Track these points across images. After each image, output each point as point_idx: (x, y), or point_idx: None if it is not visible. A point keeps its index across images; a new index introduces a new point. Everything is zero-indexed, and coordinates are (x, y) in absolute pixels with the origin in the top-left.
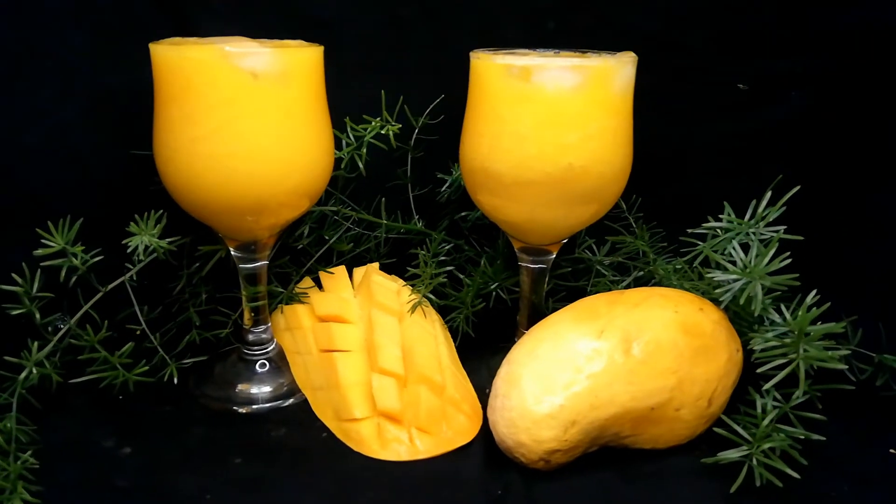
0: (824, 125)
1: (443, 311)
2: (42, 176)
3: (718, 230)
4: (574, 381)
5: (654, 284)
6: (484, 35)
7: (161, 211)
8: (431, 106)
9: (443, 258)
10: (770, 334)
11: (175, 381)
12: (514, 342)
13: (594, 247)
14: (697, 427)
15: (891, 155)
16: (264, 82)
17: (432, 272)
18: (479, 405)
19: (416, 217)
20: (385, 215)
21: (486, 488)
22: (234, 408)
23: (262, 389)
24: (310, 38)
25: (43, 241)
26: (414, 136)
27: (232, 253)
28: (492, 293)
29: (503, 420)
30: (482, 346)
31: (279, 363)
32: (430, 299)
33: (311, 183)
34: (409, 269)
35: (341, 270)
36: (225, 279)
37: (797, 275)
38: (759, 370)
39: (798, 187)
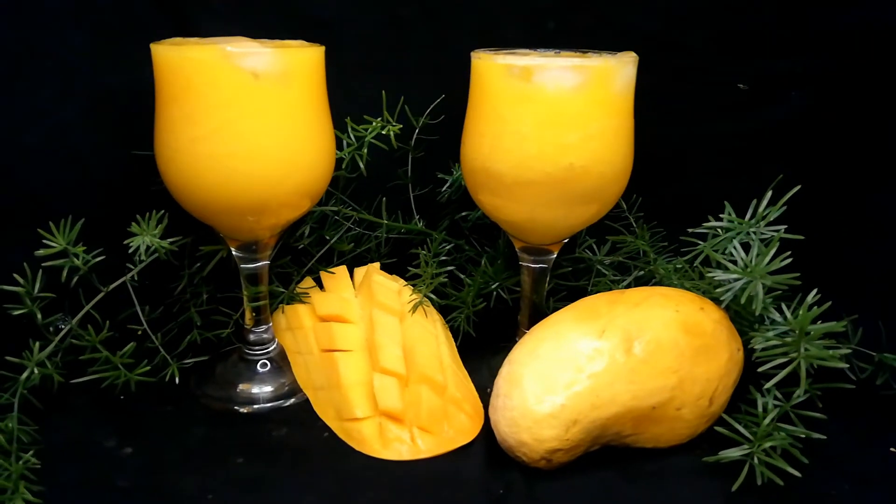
0: (824, 125)
1: (444, 311)
2: (42, 176)
3: (719, 230)
4: (575, 381)
5: (654, 284)
6: (484, 35)
7: (162, 211)
8: (432, 106)
9: (443, 258)
10: (771, 333)
11: (176, 381)
12: (515, 342)
13: (594, 246)
14: (698, 426)
15: (891, 155)
16: (265, 82)
17: (433, 272)
18: (481, 405)
19: (417, 217)
20: (386, 215)
21: (488, 488)
22: (236, 408)
23: (263, 389)
24: (310, 38)
25: (44, 241)
26: (414, 136)
27: (233, 253)
28: (492, 293)
29: (505, 419)
30: (483, 346)
31: (280, 363)
32: (431, 299)
33: (312, 183)
34: (409, 268)
35: (342, 270)
36: (226, 279)
37: (798, 274)
38: (760, 369)
39: (798, 187)
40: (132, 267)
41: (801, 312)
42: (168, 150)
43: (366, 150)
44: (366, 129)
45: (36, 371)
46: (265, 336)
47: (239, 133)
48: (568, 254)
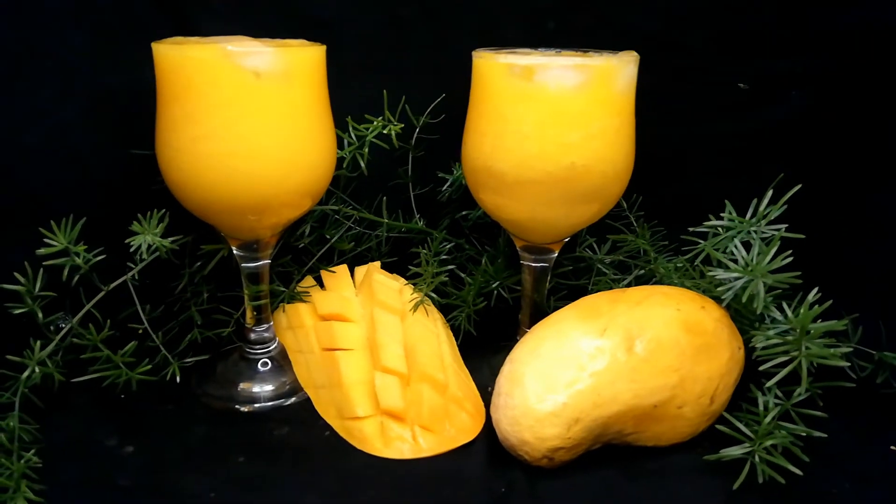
0: (824, 125)
1: (444, 310)
2: (42, 176)
3: (719, 228)
4: (577, 379)
5: (654, 283)
6: (484, 35)
7: (164, 210)
8: (433, 105)
9: (444, 257)
10: (772, 332)
11: (177, 380)
12: (515, 341)
13: (595, 245)
14: (700, 424)
15: (891, 155)
16: (267, 82)
17: (434, 271)
18: (482, 403)
19: (417, 216)
20: (386, 214)
21: (490, 486)
22: (237, 406)
23: (264, 388)
24: (310, 38)
25: (46, 240)
26: (415, 135)
27: (234, 252)
28: (493, 292)
29: (506, 418)
30: (484, 345)
31: (281, 362)
32: (431, 298)
33: (314, 182)
34: (410, 267)
35: (343, 269)
36: (227, 278)
37: (799, 273)
38: (761, 368)
39: (799, 186)
40: (133, 266)
41: (801, 311)
42: (169, 150)
43: (367, 150)
44: (367, 129)
45: (37, 370)
46: (266, 335)
47: (240, 132)
48: (568, 253)
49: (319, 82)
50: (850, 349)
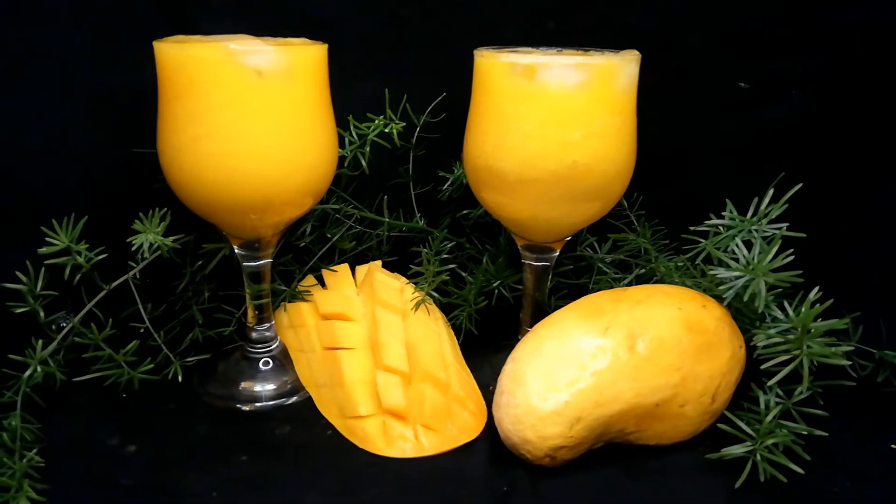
0: (825, 124)
1: (445, 309)
2: (42, 176)
3: (720, 227)
4: (579, 378)
5: (655, 282)
6: (484, 35)
7: (165, 209)
8: (433, 104)
9: (445, 256)
10: (773, 331)
11: (179, 379)
12: (517, 340)
13: (596, 244)
14: (701, 423)
15: (891, 154)
16: (269, 80)
17: (435, 270)
18: (484, 402)
19: (418, 215)
20: (387, 213)
21: (492, 485)
22: (238, 406)
23: (265, 387)
24: (310, 37)
25: (47, 239)
26: (415, 134)
27: (236, 251)
28: (494, 291)
29: (508, 417)
30: (485, 344)
31: (283, 361)
32: (433, 297)
33: (316, 181)
34: (411, 266)
35: (344, 268)
36: (228, 277)
37: (800, 272)
38: (763, 366)
39: (800, 184)
40: (134, 265)
41: (803, 310)
42: (171, 149)
43: (368, 149)
44: (368, 128)
45: (39, 369)
46: (267, 334)
47: (242, 131)
48: (569, 252)
49: (321, 81)
50: (851, 348)
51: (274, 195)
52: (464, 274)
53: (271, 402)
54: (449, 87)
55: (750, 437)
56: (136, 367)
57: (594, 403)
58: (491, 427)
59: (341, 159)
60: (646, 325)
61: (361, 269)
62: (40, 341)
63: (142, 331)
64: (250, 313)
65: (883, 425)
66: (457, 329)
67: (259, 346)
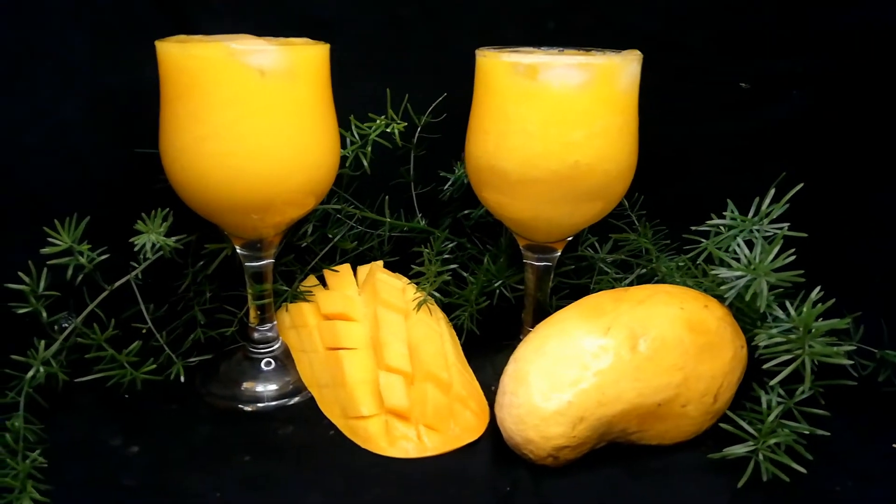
0: (825, 124)
1: (447, 309)
2: (42, 176)
3: (722, 227)
4: (581, 378)
5: (656, 282)
6: (484, 35)
7: (167, 209)
8: (434, 104)
9: (446, 256)
10: (775, 330)
11: (182, 379)
12: (518, 340)
13: (596, 244)
14: (703, 423)
15: (892, 154)
16: (271, 80)
17: (436, 270)
18: (486, 402)
19: (419, 215)
20: (388, 213)
21: (495, 485)
22: (240, 406)
23: (267, 387)
24: (309, 37)
25: (49, 239)
26: (416, 134)
27: (238, 251)
28: (495, 291)
29: (511, 417)
30: (486, 344)
31: (285, 361)
32: (434, 297)
33: (318, 181)
34: (413, 266)
35: (346, 268)
36: (230, 277)
37: (802, 271)
38: (765, 366)
39: (802, 184)
40: (136, 265)
41: (804, 309)
42: (173, 149)
43: (370, 149)
44: (370, 127)
45: (41, 370)
46: (269, 334)
47: (245, 131)
48: (570, 252)
49: (324, 81)
50: (853, 347)
51: (276, 195)
52: (465, 274)
53: (273, 403)
54: (449, 86)
55: (752, 436)
56: (138, 368)
57: (597, 403)
58: (493, 427)
59: (343, 159)
60: (648, 325)
61: (363, 270)
62: (43, 342)
63: (144, 331)
64: (252, 314)
65: (884, 425)
66: (458, 329)
67: (261, 346)
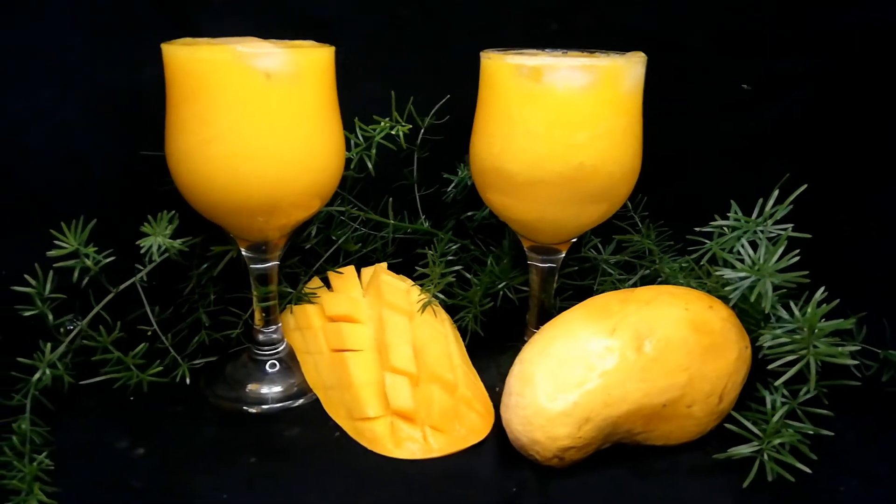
0: (826, 125)
1: (451, 311)
2: (42, 176)
3: (725, 228)
4: (587, 379)
5: (660, 283)
6: (484, 35)
7: (173, 212)
8: (437, 106)
9: (450, 258)
10: (779, 331)
11: (187, 381)
12: (523, 341)
13: (600, 246)
14: (708, 423)
15: (892, 154)
16: (277, 83)
17: (441, 272)
18: (491, 403)
19: (423, 217)
20: (392, 215)
21: (501, 486)
22: (245, 408)
23: (272, 389)
24: (309, 38)
25: (56, 241)
26: (420, 136)
27: (243, 253)
28: (499, 293)
29: (517, 418)
30: (490, 346)
31: (290, 363)
32: (438, 299)
33: (323, 183)
34: (417, 268)
35: (350, 270)
36: (235, 280)
37: (807, 272)
38: (770, 366)
39: (805, 186)
40: (141, 267)
41: (809, 310)
42: (179, 152)
43: (374, 151)
44: (374, 130)
45: (47, 372)
46: (274, 336)
47: (251, 134)
48: (574, 253)
49: (329, 83)
50: (857, 348)
51: (282, 197)
52: (469, 276)
53: (278, 405)
54: (449, 87)
55: (757, 436)
56: (144, 370)
57: (602, 404)
58: (498, 428)
59: (347, 161)
60: (653, 326)
61: (367, 272)
62: (49, 344)
63: (149, 333)
64: (257, 316)
65: (888, 424)
66: (462, 331)
67: (266, 348)
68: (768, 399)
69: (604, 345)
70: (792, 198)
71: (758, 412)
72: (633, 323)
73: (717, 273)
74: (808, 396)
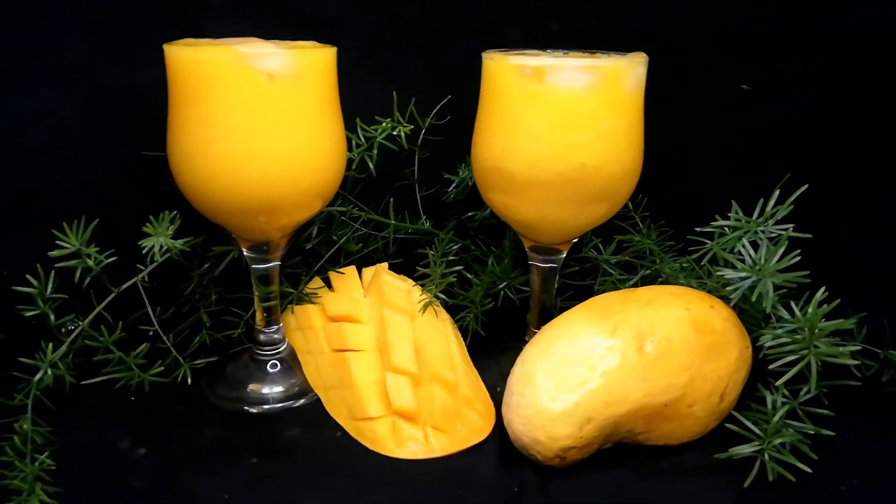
0: (826, 125)
1: (452, 311)
2: (42, 176)
3: (726, 228)
4: (588, 379)
5: (661, 283)
6: (484, 35)
7: (175, 212)
8: (438, 106)
9: (451, 258)
10: (780, 331)
11: (189, 381)
12: (524, 341)
13: (600, 246)
14: (709, 423)
15: (892, 154)
16: (279, 83)
17: (441, 272)
18: (492, 403)
19: (424, 217)
20: (393, 215)
21: (503, 486)
22: (246, 408)
23: (273, 389)
24: (309, 38)
25: (58, 241)
26: (421, 136)
27: (244, 253)
28: (500, 293)
29: (519, 418)
30: (491, 346)
31: (291, 363)
32: (439, 299)
33: (325, 184)
34: (418, 268)
35: (351, 270)
36: (236, 280)
37: (808, 272)
38: (771, 366)
39: (806, 186)
40: (142, 267)
41: (810, 310)
42: (181, 152)
43: (376, 151)
44: (376, 130)
45: (49, 372)
46: (276, 336)
47: (253, 134)
48: (574, 253)
49: (331, 84)
50: (858, 348)
51: (284, 197)
52: (469, 276)
53: (279, 405)
54: (449, 87)
55: (758, 436)
56: (146, 370)
57: (604, 404)
58: (499, 428)
59: (348, 162)
60: (654, 326)
61: (368, 272)
62: (50, 344)
63: (150, 333)
64: (259, 316)
65: (888, 424)
66: (463, 331)
67: (267, 348)
68: (769, 399)
69: (605, 345)
70: (793, 198)
71: (758, 412)
72: (635, 323)
73: (718, 273)
74: (809, 396)
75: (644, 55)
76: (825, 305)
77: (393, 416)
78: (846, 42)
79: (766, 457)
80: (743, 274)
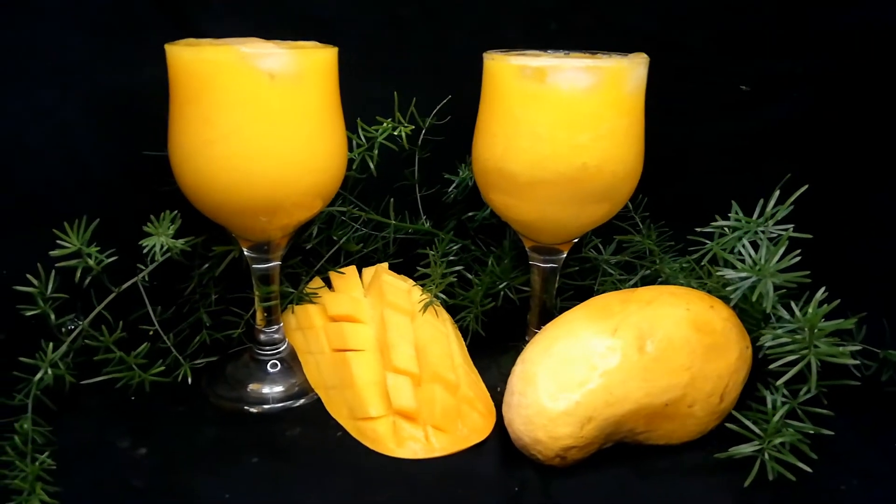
0: (826, 125)
1: (452, 311)
2: (42, 176)
3: (726, 228)
4: (589, 379)
5: (661, 283)
6: (484, 35)
7: (175, 211)
8: (439, 106)
9: (451, 258)
10: (780, 331)
11: (189, 381)
12: (524, 341)
13: (600, 246)
14: (709, 423)
15: (892, 154)
16: (281, 83)
17: (442, 272)
18: (493, 403)
19: (424, 217)
20: (393, 215)
21: (503, 485)
22: (246, 408)
23: (273, 389)
24: (309, 38)
25: (58, 241)
26: (421, 136)
27: (245, 253)
28: (500, 293)
29: (520, 417)
30: (492, 346)
31: (291, 363)
32: (440, 299)
33: (326, 184)
34: (418, 268)
35: (352, 270)
36: (236, 279)
37: (808, 272)
38: (771, 366)
39: (806, 186)
40: (142, 267)
41: (810, 310)
42: (182, 152)
43: (376, 151)
44: (376, 130)
45: (49, 372)
46: (276, 336)
47: (255, 134)
48: (574, 253)
49: (332, 84)
50: (858, 347)
51: (284, 198)
52: (470, 276)
53: (279, 405)
54: (449, 87)
55: (758, 436)
56: (146, 370)
57: (604, 403)
58: (500, 428)
59: (349, 162)
60: (655, 326)
61: (368, 272)
62: (50, 344)
63: (151, 333)
64: (259, 315)
65: (887, 424)
66: (463, 331)
67: (267, 348)
68: (769, 399)
69: (606, 344)
70: (793, 198)
71: (758, 412)
72: (635, 323)
73: (718, 273)
74: (809, 396)
75: (645, 55)
76: (825, 305)
77: (393, 416)
78: (846, 42)
79: (767, 456)
80: (743, 274)
